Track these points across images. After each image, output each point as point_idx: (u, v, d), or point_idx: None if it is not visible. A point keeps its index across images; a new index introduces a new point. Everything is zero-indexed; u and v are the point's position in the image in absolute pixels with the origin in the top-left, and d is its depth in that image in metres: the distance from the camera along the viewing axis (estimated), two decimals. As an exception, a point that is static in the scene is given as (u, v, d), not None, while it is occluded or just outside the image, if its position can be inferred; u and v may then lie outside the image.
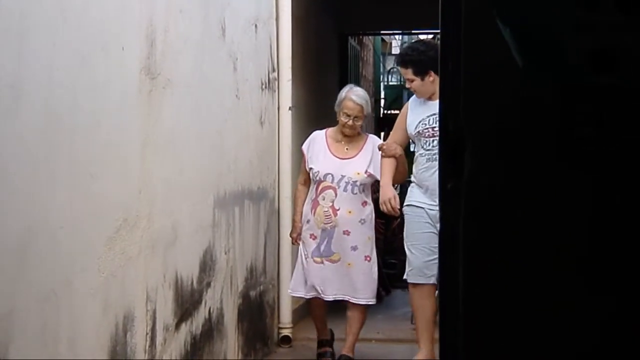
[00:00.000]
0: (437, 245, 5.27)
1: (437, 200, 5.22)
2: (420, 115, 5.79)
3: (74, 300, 3.37)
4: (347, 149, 6.23)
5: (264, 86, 6.66)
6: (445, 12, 1.62)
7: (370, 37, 15.32)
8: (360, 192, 6.15)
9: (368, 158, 6.16)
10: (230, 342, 5.71)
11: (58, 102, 3.24)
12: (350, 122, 6.17)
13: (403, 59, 5.98)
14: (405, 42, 16.39)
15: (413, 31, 14.54)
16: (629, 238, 1.57)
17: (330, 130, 6.33)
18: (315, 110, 8.39)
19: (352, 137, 6.22)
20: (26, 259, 3.00)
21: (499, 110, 1.58)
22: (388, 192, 5.81)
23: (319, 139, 6.29)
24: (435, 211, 5.45)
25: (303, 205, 6.26)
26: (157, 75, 4.25)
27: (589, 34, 1.55)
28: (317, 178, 6.17)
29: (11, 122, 2.90)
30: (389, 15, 10.53)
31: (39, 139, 3.09)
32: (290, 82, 6.99)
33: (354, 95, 6.24)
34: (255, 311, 6.40)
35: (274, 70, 6.92)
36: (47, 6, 3.15)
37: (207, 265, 5.18)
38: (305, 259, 6.22)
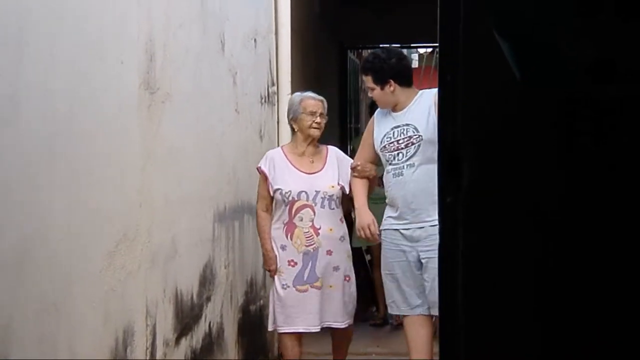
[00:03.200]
0: (415, 272, 5.17)
1: (411, 217, 5.22)
2: (385, 128, 5.42)
3: (74, 314, 3.36)
4: (312, 161, 5.69)
5: (263, 100, 6.67)
6: (444, 24, 1.62)
7: (369, 50, 15.34)
8: (337, 206, 5.63)
9: (336, 170, 5.66)
10: (231, 357, 5.70)
11: (56, 115, 3.24)
12: (318, 119, 5.68)
13: (363, 66, 5.63)
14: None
15: (412, 44, 14.56)
16: (630, 246, 1.56)
17: (287, 146, 5.84)
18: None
19: (314, 148, 5.71)
20: (25, 271, 2.99)
21: (497, 123, 1.58)
22: (366, 217, 5.40)
23: (278, 156, 5.70)
24: (410, 230, 5.25)
25: (269, 233, 5.64)
26: (157, 89, 4.26)
27: (587, 44, 1.55)
28: (289, 198, 5.56)
29: (9, 134, 2.90)
30: (388, 28, 10.55)
31: (37, 152, 3.09)
32: (289, 96, 7.01)
33: (310, 94, 5.81)
34: (256, 325, 6.38)
35: (273, 84, 6.93)
36: (45, 19, 3.15)
37: (207, 280, 5.17)
38: (284, 289, 5.58)
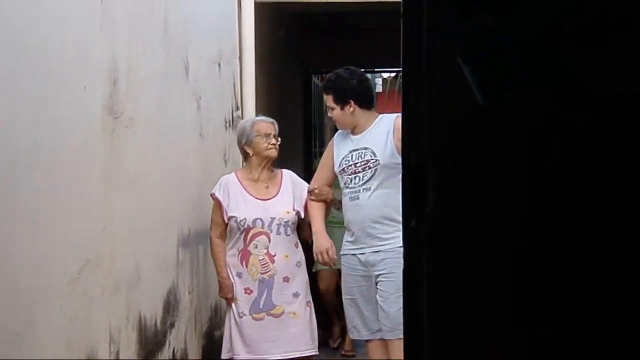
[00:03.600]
0: (375, 296, 5.11)
1: (366, 241, 5.18)
2: (344, 151, 5.34)
3: (37, 341, 3.32)
4: (267, 187, 5.58)
5: (227, 124, 6.67)
6: (407, 49, 1.63)
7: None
8: (293, 232, 5.53)
9: (291, 194, 5.55)
10: (195, 383, 5.66)
11: (19, 141, 3.21)
12: (273, 140, 5.58)
13: (325, 85, 5.53)
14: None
15: (376, 69, 14.64)
16: (605, 270, 1.57)
17: (242, 171, 5.71)
18: (280, 150, 8.39)
19: (269, 173, 5.61)
20: (-14, 300, 2.95)
21: (461, 146, 1.58)
22: (324, 242, 5.28)
23: (233, 182, 5.57)
24: (366, 254, 5.18)
25: (224, 260, 5.54)
26: (120, 114, 4.24)
27: (551, 68, 1.57)
28: (244, 226, 5.45)
29: (-29, 161, 2.87)
30: (352, 53, 10.59)
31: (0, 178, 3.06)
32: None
33: (261, 117, 5.79)
34: (220, 351, 6.35)
35: (237, 109, 6.94)
36: (7, 44, 3.13)
37: (170, 305, 5.14)
38: (240, 317, 5.47)
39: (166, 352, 5.02)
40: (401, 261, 5.43)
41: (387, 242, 5.06)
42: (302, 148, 11.35)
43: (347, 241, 5.37)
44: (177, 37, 5.35)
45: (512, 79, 1.58)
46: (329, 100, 5.39)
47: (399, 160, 5.79)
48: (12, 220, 3.16)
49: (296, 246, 5.56)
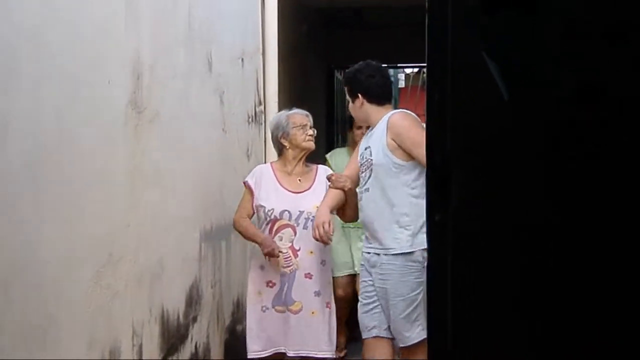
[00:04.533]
0: (372, 294, 5.03)
1: (370, 241, 5.10)
2: (361, 148, 5.29)
3: (61, 335, 3.35)
4: (300, 180, 5.51)
5: (250, 119, 6.68)
6: (432, 44, 1.63)
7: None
8: None
9: (324, 190, 5.42)
10: (217, 377, 5.68)
11: (45, 136, 3.24)
12: (310, 131, 5.54)
13: (344, 78, 5.49)
14: (391, 76, 16.48)
15: (399, 65, 14.62)
16: (621, 264, 1.57)
17: (277, 163, 5.61)
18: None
19: (304, 167, 5.55)
20: (12, 293, 2.98)
21: (486, 142, 1.58)
22: (323, 215, 5.14)
23: (267, 172, 5.51)
24: (370, 254, 5.08)
25: (254, 228, 5.44)
26: (144, 109, 4.26)
27: (575, 67, 1.56)
28: (271, 217, 5.38)
29: (-3, 156, 2.90)
30: (375, 48, 10.59)
31: (25, 173, 3.09)
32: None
33: (295, 110, 5.64)
34: (242, 346, 6.37)
35: (260, 104, 6.95)
36: (33, 40, 3.16)
37: (193, 300, 5.16)
38: (263, 310, 5.38)
39: (188, 346, 5.04)
40: (401, 269, 5.33)
41: (384, 246, 4.99)
42: (324, 143, 11.35)
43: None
44: (201, 32, 5.36)
45: (536, 76, 1.58)
46: (346, 92, 5.38)
47: (391, 158, 5.59)
48: (39, 216, 3.18)
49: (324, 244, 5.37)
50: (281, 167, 5.53)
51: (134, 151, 4.15)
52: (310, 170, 5.58)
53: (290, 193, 5.44)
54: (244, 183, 5.50)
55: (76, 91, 3.52)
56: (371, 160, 5.07)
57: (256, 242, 5.38)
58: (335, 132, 12.07)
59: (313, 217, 5.28)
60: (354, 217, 5.43)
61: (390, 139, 4.99)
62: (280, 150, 5.59)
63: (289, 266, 5.34)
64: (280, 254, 5.31)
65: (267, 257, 5.32)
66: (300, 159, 5.54)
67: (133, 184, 4.14)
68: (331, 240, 5.21)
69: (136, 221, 4.17)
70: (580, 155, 1.58)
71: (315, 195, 5.42)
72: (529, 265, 1.59)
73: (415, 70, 16.67)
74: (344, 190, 5.28)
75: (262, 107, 6.96)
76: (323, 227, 5.07)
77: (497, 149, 1.60)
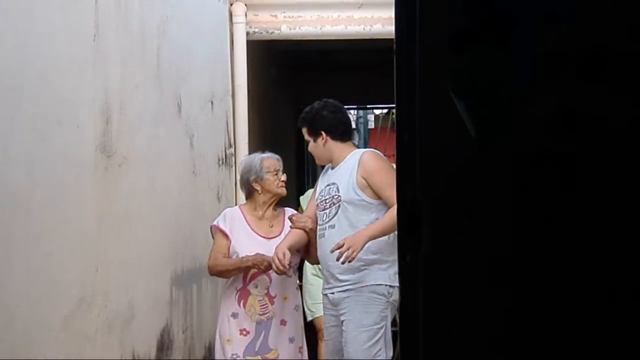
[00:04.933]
0: (341, 339, 4.98)
1: (331, 280, 5.05)
2: (321, 185, 5.22)
3: (29, 382, 3.31)
4: (271, 225, 5.36)
5: (220, 162, 6.68)
6: (400, 85, 1.64)
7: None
8: (294, 273, 5.33)
9: None
10: (189, 423, 5.62)
11: (13, 180, 3.22)
12: (283, 177, 5.40)
13: (300, 117, 5.38)
14: (360, 117, 16.57)
15: (368, 106, 14.70)
16: (597, 298, 1.58)
17: (246, 206, 5.44)
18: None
19: (273, 211, 5.40)
20: (-21, 340, 2.94)
21: (456, 181, 1.59)
22: (278, 248, 5.02)
23: (237, 217, 5.33)
24: (334, 294, 5.02)
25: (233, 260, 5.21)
26: (113, 152, 4.25)
27: (546, 100, 1.58)
28: None
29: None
30: (344, 90, 10.67)
31: (-7, 218, 3.06)
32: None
33: (268, 154, 5.49)
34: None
35: (230, 146, 6.95)
36: (4, 83, 3.15)
37: (164, 344, 5.12)
38: None
39: (160, 392, 4.99)
40: (366, 300, 5.25)
41: (349, 281, 4.96)
42: (294, 184, 11.36)
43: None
44: (170, 74, 5.37)
45: (506, 112, 1.59)
46: (304, 133, 5.29)
47: (361, 196, 5.49)
48: (8, 260, 3.15)
49: (297, 289, 5.37)
50: (251, 211, 5.37)
51: (103, 195, 4.13)
52: (279, 214, 5.44)
53: (263, 239, 5.27)
54: (216, 227, 5.29)
55: (45, 135, 3.51)
56: (338, 196, 5.03)
57: (247, 266, 5.16)
58: (306, 172, 12.09)
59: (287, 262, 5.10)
60: (317, 258, 5.33)
61: (360, 177, 4.96)
62: (250, 193, 5.43)
63: (265, 313, 5.19)
64: (256, 299, 5.19)
65: (267, 270, 5.15)
66: (271, 204, 5.40)
67: (102, 228, 4.12)
68: (289, 269, 5.08)
69: (105, 265, 4.14)
70: (554, 189, 1.59)
71: None
72: (505, 306, 1.59)
73: (385, 111, 16.75)
74: (305, 231, 5.18)
75: (232, 150, 6.96)
76: (277, 257, 4.93)
77: (468, 188, 1.60)
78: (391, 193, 4.70)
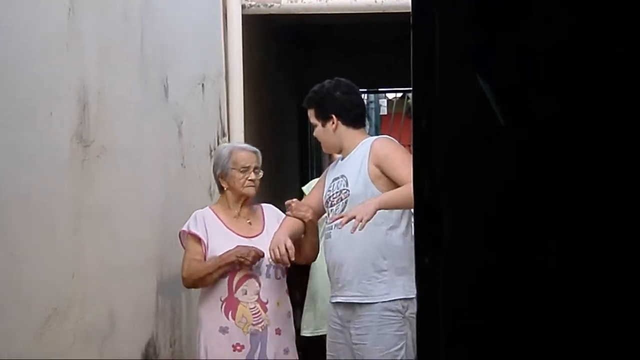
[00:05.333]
0: (348, 356, 4.90)
1: (338, 289, 4.92)
2: (330, 179, 5.18)
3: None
4: (249, 222, 5.31)
5: (212, 152, 6.68)
6: (418, 66, 1.64)
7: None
8: (283, 275, 5.25)
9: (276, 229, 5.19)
10: None
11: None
12: (252, 176, 5.27)
13: (306, 97, 5.29)
14: (371, 102, 16.57)
15: (380, 89, 14.69)
16: (627, 301, 1.59)
17: (217, 206, 5.38)
18: (273, 181, 8.40)
19: (249, 208, 5.34)
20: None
21: (480, 172, 1.59)
22: (280, 235, 4.99)
23: (210, 218, 5.25)
24: (341, 305, 4.99)
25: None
26: (91, 142, 4.26)
27: (573, 85, 1.59)
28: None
29: None
30: (354, 71, 10.66)
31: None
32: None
33: (241, 144, 5.49)
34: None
35: (224, 135, 6.95)
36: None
37: (149, 359, 5.13)
38: None
39: (145, 414, 5.01)
40: (379, 320, 5.17)
41: (363, 293, 4.90)
42: (297, 175, 11.37)
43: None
44: (155, 55, 5.37)
45: (536, 96, 1.60)
46: (311, 116, 5.23)
47: (373, 190, 5.38)
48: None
49: (286, 291, 5.31)
50: (224, 210, 5.32)
51: (79, 190, 4.14)
52: (255, 210, 5.40)
53: (243, 238, 5.20)
54: (186, 233, 5.21)
55: (14, 124, 3.52)
56: (347, 191, 4.99)
57: (230, 263, 5.10)
58: (310, 161, 12.09)
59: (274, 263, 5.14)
60: (312, 257, 5.39)
61: (373, 166, 4.91)
62: (220, 189, 5.39)
63: (259, 323, 5.14)
64: (246, 306, 5.12)
65: (254, 262, 5.11)
66: (243, 202, 5.34)
67: (79, 228, 4.13)
68: (292, 259, 5.00)
69: (83, 270, 4.14)
70: (579, 176, 1.60)
71: (270, 237, 5.15)
72: (536, 313, 1.59)
73: (399, 95, 16.75)
74: (303, 222, 5.13)
75: (226, 139, 6.97)
76: (280, 248, 4.88)
77: (494, 178, 1.61)
78: (407, 172, 4.58)
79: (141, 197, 5.10)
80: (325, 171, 5.51)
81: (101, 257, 4.40)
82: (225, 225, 5.23)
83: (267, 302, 5.16)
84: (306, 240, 5.22)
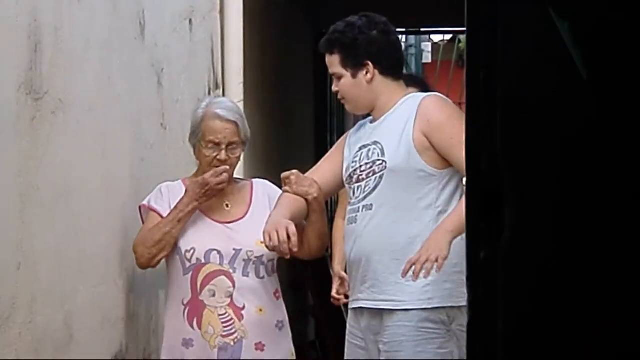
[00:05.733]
0: None
1: (363, 290, 4.94)
2: (355, 147, 5.12)
3: None
4: (227, 205, 5.31)
5: (198, 110, 6.69)
6: (473, 0, 1.65)
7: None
8: (270, 273, 5.21)
9: (267, 216, 5.04)
10: None
11: None
12: (223, 155, 5.18)
13: (328, 39, 5.15)
14: (411, 46, 16.55)
15: (423, 29, 14.66)
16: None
17: (191, 180, 5.33)
18: (278, 148, 8.41)
19: (231, 185, 5.27)
20: None
21: (553, 144, 1.59)
22: (277, 216, 4.92)
23: (178, 193, 5.23)
24: (365, 310, 4.94)
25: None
26: (44, 94, 4.26)
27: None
28: (192, 261, 5.14)
29: None
30: (384, 7, 10.64)
31: None
32: (241, 105, 7.01)
33: (219, 110, 5.23)
34: None
35: (217, 88, 6.96)
36: None
37: (117, 378, 5.16)
38: None
39: None
40: (416, 333, 5.14)
41: (395, 298, 4.86)
42: (312, 142, 11.37)
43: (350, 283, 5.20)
44: (129, -20, 5.38)
45: (628, 43, 1.60)
46: (333, 63, 5.10)
47: (419, 162, 5.33)
48: None
49: (276, 296, 5.27)
50: None
51: (29, 157, 4.15)
52: (241, 188, 5.40)
53: (217, 224, 5.25)
54: (146, 208, 5.26)
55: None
56: (382, 162, 4.92)
57: (191, 210, 5.15)
58: (329, 125, 12.06)
59: (257, 257, 5.14)
60: (318, 250, 5.36)
61: (419, 134, 4.83)
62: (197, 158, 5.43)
63: (230, 334, 5.12)
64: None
65: (215, 192, 5.16)
66: None
67: (27, 207, 4.14)
68: (295, 250, 4.88)
69: (31, 261, 4.16)
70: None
71: (254, 224, 5.14)
72: (615, 320, 1.61)
73: (448, 37, 16.72)
74: (306, 201, 5.10)
75: (219, 92, 6.98)
76: (280, 232, 4.78)
77: (569, 152, 1.61)
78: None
79: (108, 168, 5.11)
80: (344, 136, 5.42)
81: (56, 244, 4.42)
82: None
83: (242, 308, 5.12)
84: (310, 227, 5.17)
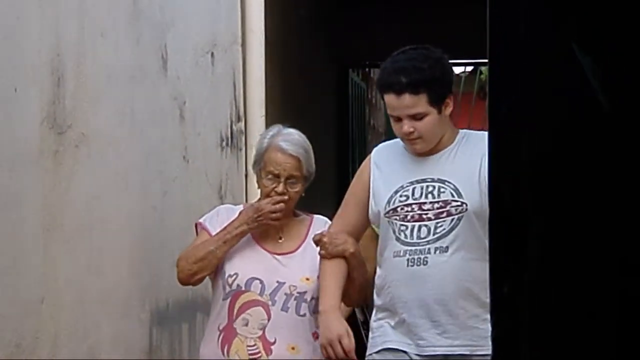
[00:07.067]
0: None
1: (431, 335, 4.83)
2: (398, 179, 4.87)
3: None
4: (280, 237, 5.19)
5: (224, 143, 6.69)
6: (496, 32, 1.64)
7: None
8: (311, 312, 5.06)
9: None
10: None
11: None
12: (280, 188, 5.09)
13: (413, 79, 4.83)
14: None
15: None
16: None
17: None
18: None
19: (289, 218, 5.21)
20: None
21: (578, 177, 1.59)
22: (334, 326, 4.82)
23: (234, 216, 5.18)
24: (430, 354, 4.71)
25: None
26: (67, 128, 4.27)
27: None
28: (232, 287, 5.05)
29: None
30: (407, 38, 10.64)
31: None
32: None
33: (283, 142, 5.16)
34: None
35: (239, 120, 6.96)
36: None
37: (141, 411, 5.15)
38: None
39: None
40: None
41: (474, 343, 4.72)
42: (334, 173, 11.36)
43: (387, 325, 4.87)
44: (152, 15, 5.39)
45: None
46: (418, 103, 4.81)
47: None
48: None
49: (315, 336, 5.05)
50: None
51: (52, 190, 4.16)
52: (299, 223, 5.29)
53: (266, 253, 5.14)
54: (202, 227, 5.16)
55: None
56: (463, 204, 4.72)
57: (240, 234, 5.07)
58: (350, 156, 12.07)
59: (300, 293, 5.04)
60: (361, 302, 5.26)
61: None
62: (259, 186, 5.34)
63: None
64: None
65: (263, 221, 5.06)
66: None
67: (51, 240, 4.14)
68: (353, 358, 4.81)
69: (55, 294, 4.16)
70: None
71: (305, 260, 5.10)
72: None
73: (469, 69, 16.72)
74: (344, 258, 4.95)
75: (241, 125, 6.98)
76: (341, 346, 4.75)
77: (595, 186, 1.60)
78: None
79: (131, 201, 5.12)
80: (367, 163, 5.12)
81: (79, 278, 4.41)
82: (251, 234, 5.13)
83: (273, 343, 5.01)
84: (351, 284, 5.02)
